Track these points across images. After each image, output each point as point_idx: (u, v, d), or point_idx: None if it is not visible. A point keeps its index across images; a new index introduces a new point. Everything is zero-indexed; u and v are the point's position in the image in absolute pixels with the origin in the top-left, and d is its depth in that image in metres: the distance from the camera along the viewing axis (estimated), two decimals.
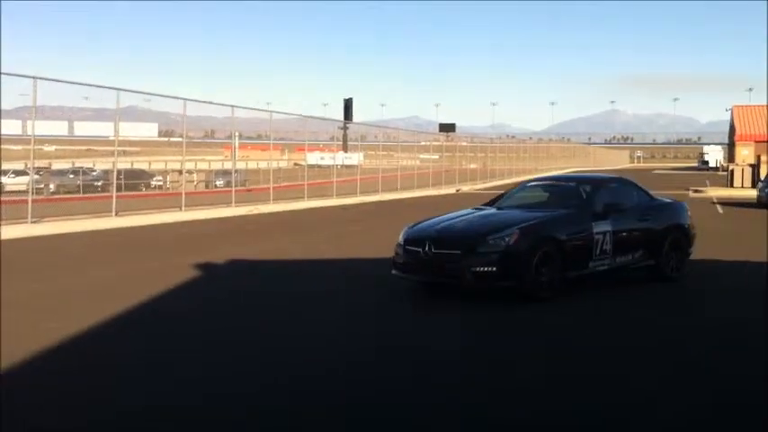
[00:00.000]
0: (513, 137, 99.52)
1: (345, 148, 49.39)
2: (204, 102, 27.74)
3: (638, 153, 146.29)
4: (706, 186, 40.95)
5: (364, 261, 13.04)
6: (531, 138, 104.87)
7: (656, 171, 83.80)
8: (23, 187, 22.07)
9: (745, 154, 70.87)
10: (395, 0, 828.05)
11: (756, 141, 69.12)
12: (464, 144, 54.39)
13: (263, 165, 35.63)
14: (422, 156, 48.00)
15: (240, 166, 37.57)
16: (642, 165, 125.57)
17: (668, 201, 11.78)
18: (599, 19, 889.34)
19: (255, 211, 24.76)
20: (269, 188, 27.87)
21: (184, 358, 6.77)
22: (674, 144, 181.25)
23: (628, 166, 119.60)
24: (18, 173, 30.35)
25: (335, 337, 7.67)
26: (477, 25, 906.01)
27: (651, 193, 11.48)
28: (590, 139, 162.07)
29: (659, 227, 10.70)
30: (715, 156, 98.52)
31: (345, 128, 49.49)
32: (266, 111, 29.83)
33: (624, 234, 10.10)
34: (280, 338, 7.56)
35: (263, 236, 17.90)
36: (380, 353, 7.05)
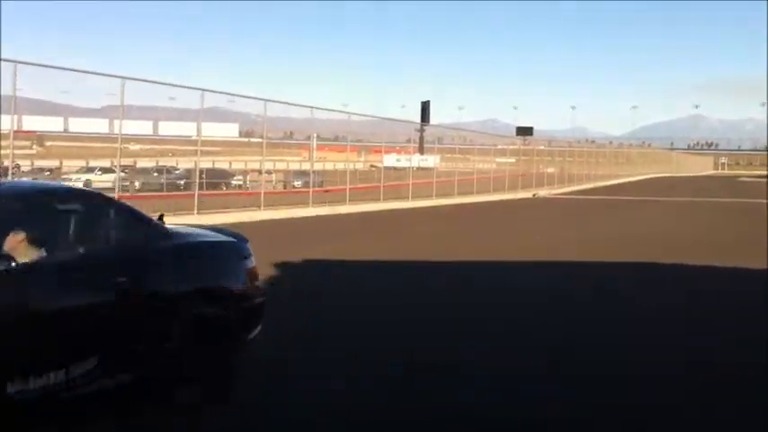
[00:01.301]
0: (592, 141, 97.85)
1: (422, 151, 49.35)
2: (284, 103, 28.16)
3: (723, 159, 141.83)
4: None
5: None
6: (611, 142, 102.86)
7: (742, 179, 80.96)
8: (110, 184, 22.83)
9: None
10: (474, 0, 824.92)
11: None
12: (541, 148, 53.73)
13: (339, 166, 35.94)
14: (498, 159, 47.65)
15: (318, 167, 37.97)
16: (727, 172, 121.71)
17: (205, 239, 6.00)
18: (683, 21, 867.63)
19: (333, 212, 25.02)
20: (345, 189, 28.12)
21: None
22: (762, 151, 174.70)
23: (711, 172, 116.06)
24: (105, 170, 31.38)
25: None
26: (557, 26, 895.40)
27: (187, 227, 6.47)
28: (672, 144, 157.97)
29: (169, 294, 5.22)
30: None
31: (422, 130, 49.45)
32: (344, 112, 30.17)
33: (56, 312, 4.54)
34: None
35: (341, 236, 18.08)
36: None
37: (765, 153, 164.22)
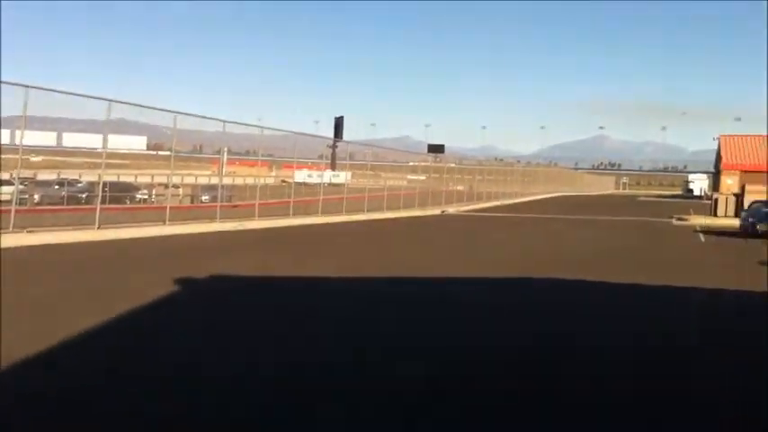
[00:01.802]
0: (501, 160, 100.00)
1: (333, 167, 49.49)
2: (194, 116, 27.66)
3: (624, 179, 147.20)
4: (690, 215, 41.15)
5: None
6: (518, 161, 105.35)
7: (641, 198, 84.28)
8: (8, 197, 22.00)
9: (729, 183, 71.38)
10: (389, 19, 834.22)
11: (742, 171, 69.71)
12: (452, 165, 54.63)
13: (250, 181, 35.62)
14: (409, 176, 48.17)
15: (227, 181, 37.57)
16: (627, 191, 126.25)
17: None
18: (591, 44, 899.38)
19: (240, 227, 24.78)
20: (254, 204, 27.89)
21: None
22: (660, 172, 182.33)
23: (613, 191, 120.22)
24: (3, 182, 30.19)
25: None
26: (469, 46, 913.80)
27: None
28: (577, 164, 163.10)
29: None
30: (700, 184, 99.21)
31: (334, 146, 49.61)
32: (256, 126, 29.88)
33: None
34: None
35: (243, 251, 17.94)
36: None
37: (663, 174, 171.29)
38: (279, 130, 33.32)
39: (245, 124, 30.59)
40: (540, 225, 32.68)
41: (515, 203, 55.40)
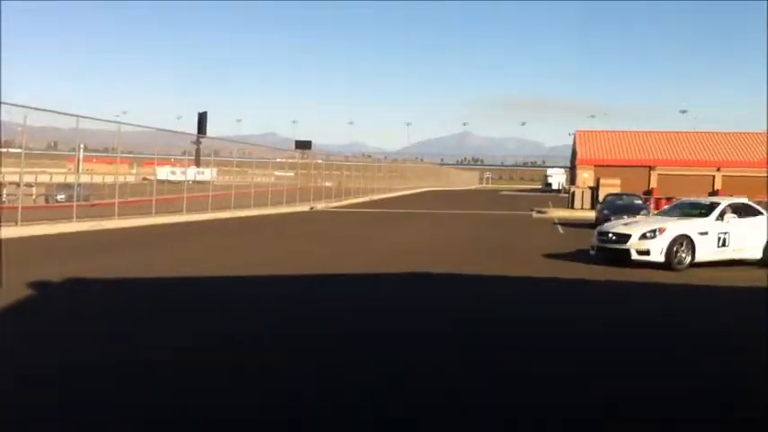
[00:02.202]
0: (368, 156, 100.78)
1: (198, 163, 48.27)
2: (47, 111, 26.16)
3: (488, 174, 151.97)
4: (549, 207, 42.90)
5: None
6: (386, 157, 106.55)
7: (504, 192, 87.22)
8: None
9: (585, 177, 75.04)
10: (252, 17, 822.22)
11: (596, 165, 73.34)
12: (319, 162, 54.51)
13: (110, 179, 34.13)
14: (277, 173, 47.66)
15: (85, 179, 35.90)
16: (491, 186, 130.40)
17: None
18: (453, 41, 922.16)
19: (98, 227, 23.69)
20: (114, 203, 26.75)
21: None
22: (521, 166, 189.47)
23: (477, 186, 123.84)
24: None
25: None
26: (336, 43, 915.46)
27: None
28: (442, 160, 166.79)
29: None
30: (558, 178, 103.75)
31: (198, 142, 48.32)
32: (114, 122, 28.62)
33: None
34: None
35: (98, 252, 17.17)
36: None
37: (523, 168, 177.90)
38: (139, 125, 32.13)
39: (102, 120, 29.23)
40: (408, 220, 33.09)
41: (384, 199, 55.95)
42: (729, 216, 16.87)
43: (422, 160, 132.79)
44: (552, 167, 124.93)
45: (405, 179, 76.26)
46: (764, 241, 17.06)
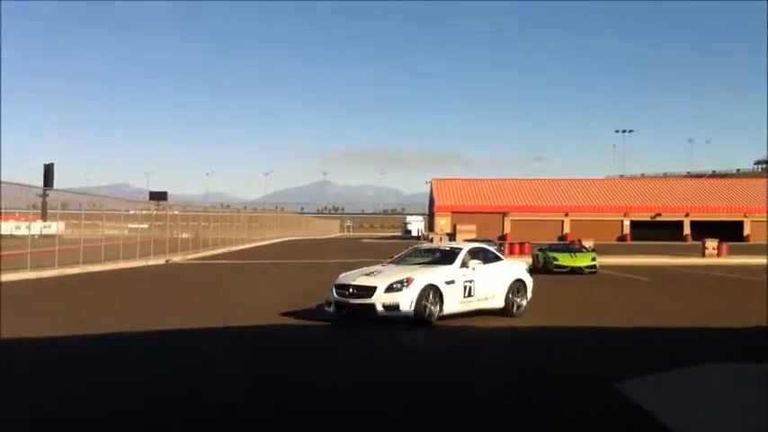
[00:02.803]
0: (227, 206, 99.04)
1: (44, 217, 45.71)
2: None
3: (348, 223, 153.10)
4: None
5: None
6: (245, 207, 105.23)
7: (365, 240, 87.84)
8: None
9: (443, 224, 76.71)
10: (94, 70, 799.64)
11: (453, 211, 75.25)
12: (176, 213, 52.96)
13: None
14: (130, 225, 45.83)
15: None
16: (352, 234, 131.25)
17: None
18: (308, 93, 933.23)
19: None
20: None
21: None
22: (380, 214, 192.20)
23: (339, 234, 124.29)
24: None
25: None
26: (190, 90, 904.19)
27: None
28: (303, 209, 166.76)
29: None
30: (417, 225, 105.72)
31: (45, 195, 45.85)
32: None
33: None
34: None
35: None
36: None
37: (383, 216, 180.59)
38: None
39: None
40: (265, 271, 32.54)
41: (243, 249, 54.95)
42: (474, 262, 15.54)
43: (282, 209, 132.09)
44: (411, 215, 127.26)
45: (265, 229, 75.37)
46: (506, 288, 16.08)
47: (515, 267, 17.26)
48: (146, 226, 46.93)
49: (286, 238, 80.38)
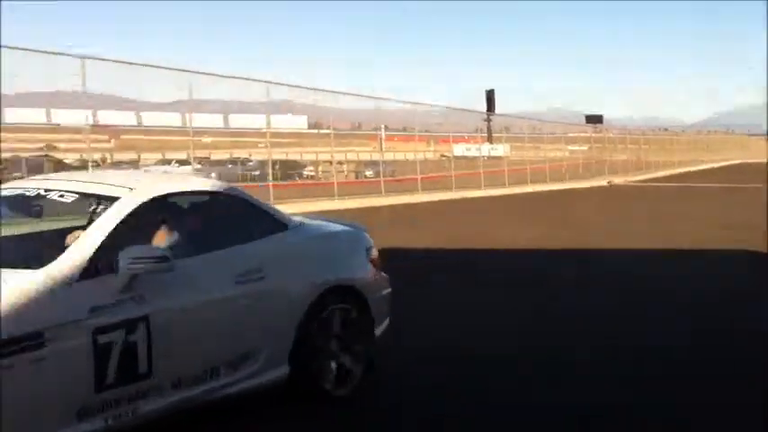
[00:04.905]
0: (665, 129, 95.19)
1: (490, 140, 48.77)
2: (351, 94, 28.11)
3: None
4: None
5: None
6: (683, 131, 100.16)
7: None
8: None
9: None
10: None
11: None
12: (612, 135, 52.51)
13: (409, 156, 35.71)
14: (570, 147, 46.68)
15: (387, 157, 37.82)
16: None
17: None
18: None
19: (412, 201, 24.78)
20: (417, 179, 27.91)
21: None
22: None
23: None
24: (181, 162, 31.80)
25: None
26: (622, 18, 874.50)
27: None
28: (749, 131, 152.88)
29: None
30: None
31: (489, 119, 48.81)
32: (411, 103, 29.96)
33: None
34: None
35: (440, 222, 17.82)
36: None
37: None
38: (433, 105, 33.28)
39: (399, 101, 30.76)
40: (726, 195, 30.06)
41: (685, 172, 52.09)
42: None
43: (732, 131, 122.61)
44: None
45: (710, 152, 70.80)
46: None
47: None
48: (585, 148, 47.43)
49: (734, 162, 74.37)
